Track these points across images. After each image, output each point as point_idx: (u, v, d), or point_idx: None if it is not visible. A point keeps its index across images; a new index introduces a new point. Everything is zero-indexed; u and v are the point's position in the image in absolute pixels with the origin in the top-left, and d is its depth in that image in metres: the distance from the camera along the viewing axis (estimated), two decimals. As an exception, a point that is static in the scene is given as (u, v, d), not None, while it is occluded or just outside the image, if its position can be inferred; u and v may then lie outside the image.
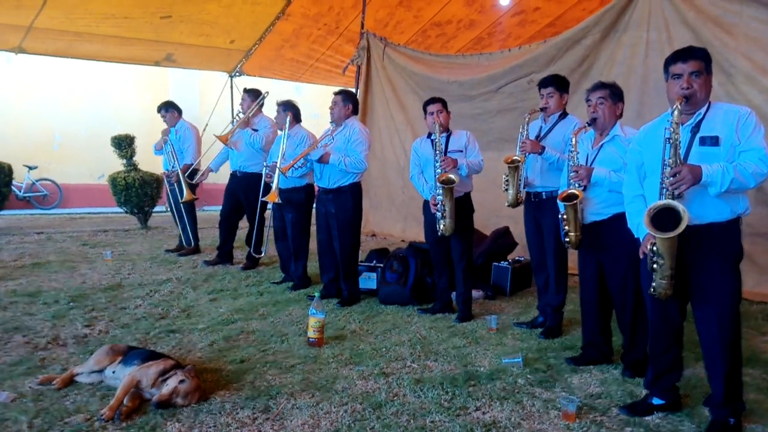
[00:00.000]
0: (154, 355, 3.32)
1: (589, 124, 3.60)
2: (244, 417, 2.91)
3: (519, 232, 6.18)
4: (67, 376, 3.27)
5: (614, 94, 3.54)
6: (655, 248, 2.69)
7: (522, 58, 7.12)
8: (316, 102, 13.85)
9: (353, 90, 8.30)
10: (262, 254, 6.49)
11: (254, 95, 6.33)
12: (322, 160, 4.97)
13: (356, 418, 2.90)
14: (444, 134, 4.65)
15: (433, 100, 4.66)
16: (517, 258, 5.90)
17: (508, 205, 4.37)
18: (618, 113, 3.57)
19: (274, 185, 5.17)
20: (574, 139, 3.61)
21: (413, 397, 3.17)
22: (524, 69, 7.08)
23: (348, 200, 5.01)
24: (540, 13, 10.00)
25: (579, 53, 6.56)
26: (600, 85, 3.59)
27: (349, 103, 5.10)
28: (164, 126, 7.26)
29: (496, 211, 6.75)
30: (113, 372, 3.22)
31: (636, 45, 6.13)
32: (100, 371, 3.28)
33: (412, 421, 2.88)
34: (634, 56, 6.16)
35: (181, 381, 3.02)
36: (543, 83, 4.35)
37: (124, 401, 2.93)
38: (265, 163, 5.68)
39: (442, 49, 10.49)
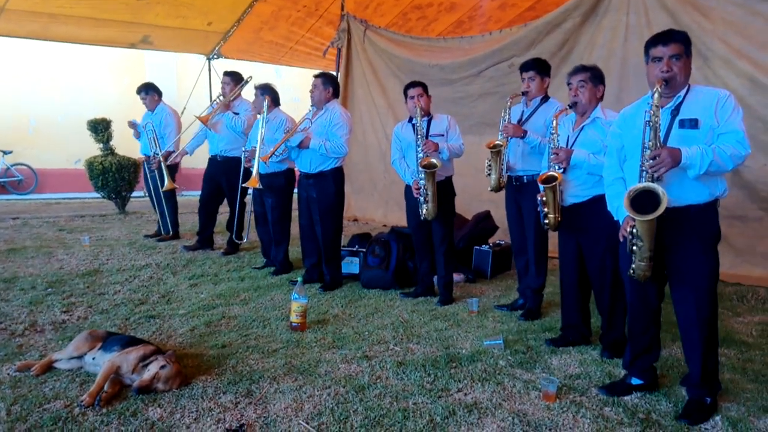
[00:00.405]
0: (134, 341, 3.29)
1: (570, 107, 3.61)
2: (227, 401, 2.90)
3: (500, 216, 6.21)
4: (46, 363, 3.23)
5: (595, 77, 3.55)
6: (634, 230, 2.72)
7: (503, 41, 7.13)
8: (297, 86, 13.75)
9: (334, 73, 8.24)
10: (244, 240, 6.45)
11: (236, 78, 6.24)
12: (303, 145, 4.93)
13: (339, 401, 2.91)
14: (425, 118, 4.63)
15: (413, 84, 4.64)
16: (497, 242, 5.94)
17: (491, 190, 4.38)
18: (599, 96, 3.58)
19: (254, 171, 5.13)
20: (555, 122, 3.63)
21: (396, 379, 3.18)
22: (505, 53, 7.10)
23: (330, 185, 4.98)
24: (521, -5, 9.97)
25: (559, 37, 6.59)
26: (581, 68, 3.60)
27: (329, 87, 5.05)
28: (143, 109, 7.14)
29: (477, 195, 6.78)
30: (93, 358, 3.19)
31: (616, 28, 6.17)
32: (80, 357, 3.24)
33: (394, 403, 2.90)
34: (614, 39, 6.19)
35: (162, 366, 3.00)
36: (524, 67, 4.35)
37: (104, 387, 2.90)
38: (243, 148, 5.63)
39: (422, 32, 10.43)
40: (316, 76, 5.06)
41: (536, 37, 6.76)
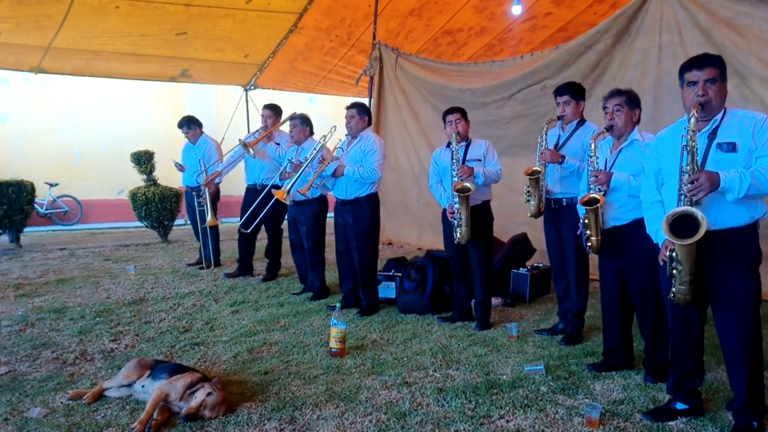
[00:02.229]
0: (180, 369, 3.38)
1: (607, 130, 3.63)
2: (271, 428, 2.95)
3: (536, 238, 6.21)
4: (97, 391, 3.35)
5: (630, 100, 3.57)
6: (674, 254, 2.71)
7: (534, 64, 7.15)
8: (330, 113, 13.99)
9: (365, 101, 8.38)
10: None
11: (275, 110, 6.45)
12: (337, 173, 5.05)
13: (381, 428, 2.94)
14: (463, 143, 4.69)
15: (452, 110, 4.70)
16: (535, 264, 5.91)
17: (531, 216, 4.39)
18: (635, 119, 3.60)
19: (288, 185, 5.29)
20: (593, 144, 3.64)
21: (437, 406, 3.20)
22: (537, 75, 7.12)
23: (366, 211, 5.06)
24: (551, 18, 10.01)
25: (592, 58, 6.58)
26: (616, 92, 3.62)
27: (365, 116, 5.18)
28: (181, 139, 7.36)
29: (512, 217, 6.78)
30: (142, 386, 3.29)
31: (649, 49, 6.14)
32: (129, 385, 3.35)
33: (436, 430, 2.91)
34: (647, 60, 6.16)
35: (209, 393, 3.08)
36: (558, 91, 4.36)
37: (154, 415, 2.99)
38: (290, 159, 5.66)
39: (453, 56, 10.55)
40: (351, 107, 5.16)
41: (568, 59, 6.77)
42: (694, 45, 5.73)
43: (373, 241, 5.21)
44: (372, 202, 5.12)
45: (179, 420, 3.00)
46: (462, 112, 4.69)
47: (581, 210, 3.60)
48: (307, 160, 5.27)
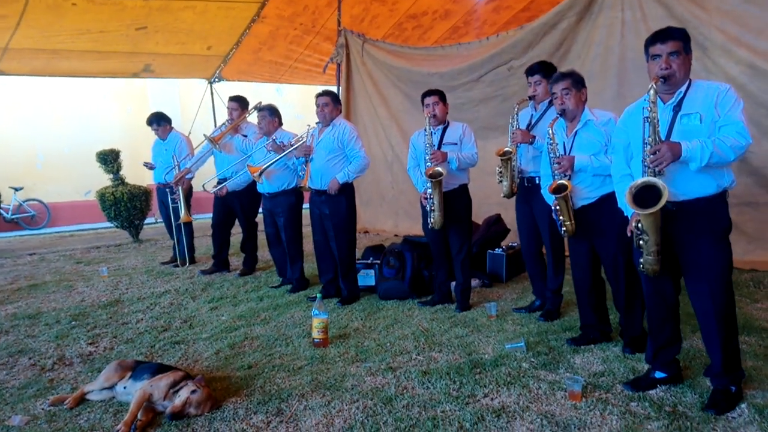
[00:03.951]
0: (162, 368, 3.35)
1: (560, 115, 3.66)
2: (258, 422, 2.95)
3: (509, 218, 6.28)
4: (78, 395, 3.30)
5: (576, 81, 3.61)
6: (639, 225, 2.77)
7: (500, 45, 7.19)
8: (299, 103, 13.89)
9: (334, 89, 8.33)
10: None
11: (242, 102, 6.34)
12: (333, 187, 4.95)
13: (368, 414, 2.96)
14: (440, 126, 4.68)
15: (429, 92, 4.67)
16: (510, 244, 5.98)
17: (504, 196, 4.43)
18: (584, 99, 3.65)
19: (264, 164, 5.31)
20: (550, 131, 3.67)
21: (422, 389, 3.23)
22: (503, 56, 7.15)
23: (341, 200, 5.03)
24: (514, -3, 10.05)
25: (556, 37, 6.63)
26: (560, 77, 3.65)
27: (338, 104, 5.16)
28: (148, 136, 7.24)
29: (485, 198, 6.83)
30: (124, 387, 3.25)
31: (612, 25, 6.21)
32: (111, 388, 3.31)
33: (423, 412, 2.94)
34: (611, 36, 6.24)
35: (193, 391, 3.06)
36: (530, 71, 4.37)
37: (138, 416, 2.96)
38: (274, 138, 5.53)
39: (419, 41, 10.52)
40: (323, 95, 5.09)
41: (533, 39, 6.81)
42: (656, 19, 5.80)
43: (351, 230, 5.19)
44: (347, 191, 5.09)
45: (164, 419, 2.97)
46: (440, 95, 4.66)
47: (551, 198, 3.63)
48: (291, 145, 5.22)
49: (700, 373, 3.17)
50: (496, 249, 5.82)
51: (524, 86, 6.78)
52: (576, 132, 3.64)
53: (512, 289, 5.39)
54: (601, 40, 6.30)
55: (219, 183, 6.50)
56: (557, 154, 3.62)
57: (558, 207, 3.58)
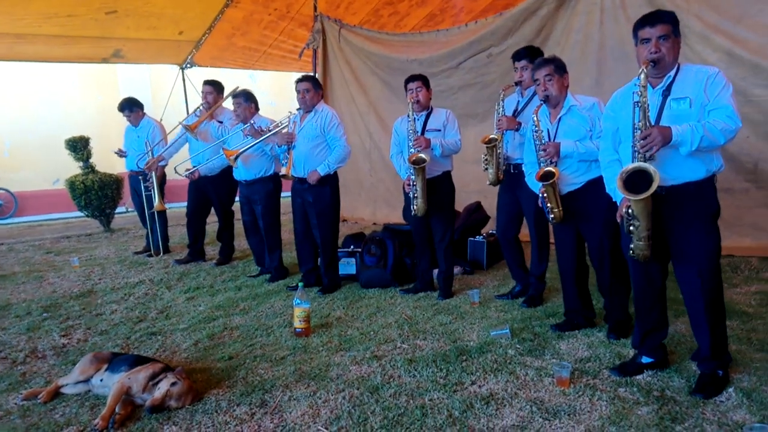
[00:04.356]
0: (140, 360, 3.25)
1: (544, 102, 3.63)
2: (242, 413, 2.87)
3: (487, 205, 6.27)
4: (53, 389, 3.18)
5: (558, 67, 3.58)
6: (630, 211, 2.75)
7: (479, 32, 7.13)
8: (272, 89, 13.68)
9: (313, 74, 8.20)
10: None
11: (217, 86, 6.17)
12: (312, 178, 4.85)
13: (355, 403, 2.90)
14: (423, 112, 4.62)
15: (413, 78, 4.60)
16: (490, 231, 5.96)
17: (490, 184, 4.38)
18: (566, 84, 3.62)
19: (240, 148, 5.22)
20: (535, 118, 3.63)
21: (408, 377, 3.19)
22: (482, 43, 7.11)
23: (326, 188, 4.93)
24: (491, -16, 10.00)
25: (535, 24, 6.61)
26: (542, 63, 3.62)
27: (319, 89, 5.04)
28: (117, 123, 7.03)
29: (464, 186, 6.77)
30: (101, 380, 3.15)
31: (591, 12, 6.21)
32: (86, 381, 3.20)
33: (411, 400, 2.90)
34: (590, 23, 6.24)
35: (173, 383, 2.97)
36: (516, 56, 4.31)
37: (116, 409, 2.87)
38: (252, 122, 5.38)
39: (395, 27, 10.40)
40: (304, 80, 4.97)
41: (512, 25, 6.78)
42: (635, 7, 5.81)
43: (335, 218, 5.11)
44: (331, 179, 5.00)
45: (144, 413, 2.88)
46: (424, 80, 4.59)
47: (537, 185, 3.60)
48: (270, 130, 5.10)
49: (685, 357, 3.18)
50: (477, 236, 5.80)
51: (503, 73, 6.85)
52: (560, 118, 3.61)
53: (493, 276, 5.38)
54: (581, 27, 6.30)
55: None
56: (542, 141, 3.58)
57: (545, 194, 3.55)
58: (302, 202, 5.04)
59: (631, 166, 2.68)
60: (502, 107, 4.28)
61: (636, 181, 2.63)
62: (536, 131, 3.62)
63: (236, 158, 5.26)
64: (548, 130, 3.67)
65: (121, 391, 2.95)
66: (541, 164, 3.56)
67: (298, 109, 5.01)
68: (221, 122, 6.04)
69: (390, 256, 5.19)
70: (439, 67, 7.47)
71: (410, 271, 5.24)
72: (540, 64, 3.62)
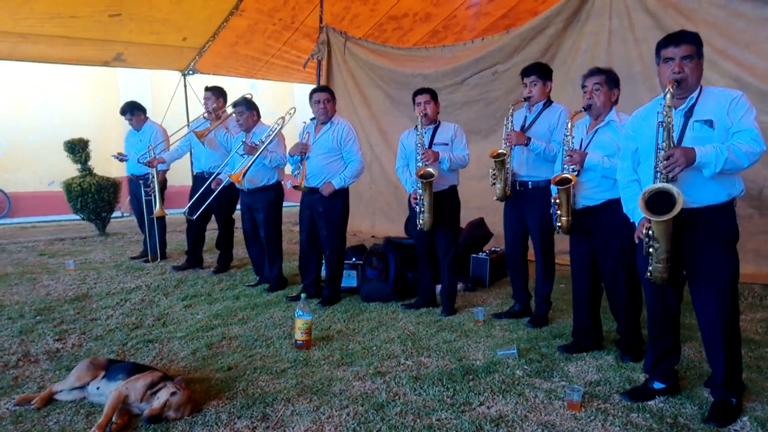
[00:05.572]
0: (138, 368, 3.15)
1: (585, 110, 3.57)
2: (243, 427, 2.78)
3: (490, 222, 6.22)
4: (47, 395, 3.07)
5: (610, 80, 3.53)
6: (650, 232, 2.69)
7: (486, 49, 7.14)
8: (273, 99, 13.65)
9: (313, 86, 8.17)
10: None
11: (216, 92, 6.11)
12: (327, 191, 4.81)
13: (360, 420, 2.82)
14: (431, 126, 4.57)
15: (421, 91, 4.56)
16: (493, 249, 5.91)
17: (497, 199, 4.32)
18: (614, 99, 3.56)
19: (243, 167, 5.08)
20: (569, 123, 3.57)
21: (414, 395, 3.11)
22: (488, 60, 7.11)
23: (337, 199, 4.88)
24: (494, 4, 10.02)
25: (542, 43, 6.62)
26: (596, 71, 3.56)
27: (335, 100, 5.00)
28: (117, 127, 6.98)
29: (465, 202, 6.69)
30: (97, 388, 3.05)
31: (599, 33, 6.22)
32: (82, 387, 3.10)
33: (418, 420, 2.81)
34: (597, 45, 6.24)
35: (173, 393, 2.88)
36: (525, 72, 4.28)
37: (113, 418, 2.77)
38: (243, 141, 5.35)
39: (398, 42, 10.43)
40: (320, 90, 4.93)
41: (519, 44, 6.79)
42: (643, 29, 5.84)
43: (344, 230, 5.05)
44: (343, 190, 4.95)
45: (141, 423, 2.78)
46: (432, 94, 4.55)
47: (553, 189, 3.56)
48: (263, 143, 5.05)
49: (696, 383, 3.12)
50: (480, 253, 5.74)
51: (508, 91, 6.83)
52: (597, 130, 3.56)
53: (496, 294, 5.31)
54: (588, 48, 6.30)
55: (195, 177, 6.29)
56: (571, 147, 3.53)
57: (558, 200, 3.50)
58: (311, 214, 4.96)
59: (654, 186, 2.63)
60: (511, 122, 4.24)
61: (657, 202, 2.58)
62: (567, 136, 3.57)
63: (243, 177, 5.18)
64: (582, 139, 3.61)
65: (119, 399, 2.86)
66: (564, 170, 3.52)
67: (311, 119, 4.95)
68: (227, 128, 5.98)
69: (392, 269, 5.12)
70: (443, 83, 7.45)
71: (412, 286, 5.16)
72: (592, 73, 3.57)
